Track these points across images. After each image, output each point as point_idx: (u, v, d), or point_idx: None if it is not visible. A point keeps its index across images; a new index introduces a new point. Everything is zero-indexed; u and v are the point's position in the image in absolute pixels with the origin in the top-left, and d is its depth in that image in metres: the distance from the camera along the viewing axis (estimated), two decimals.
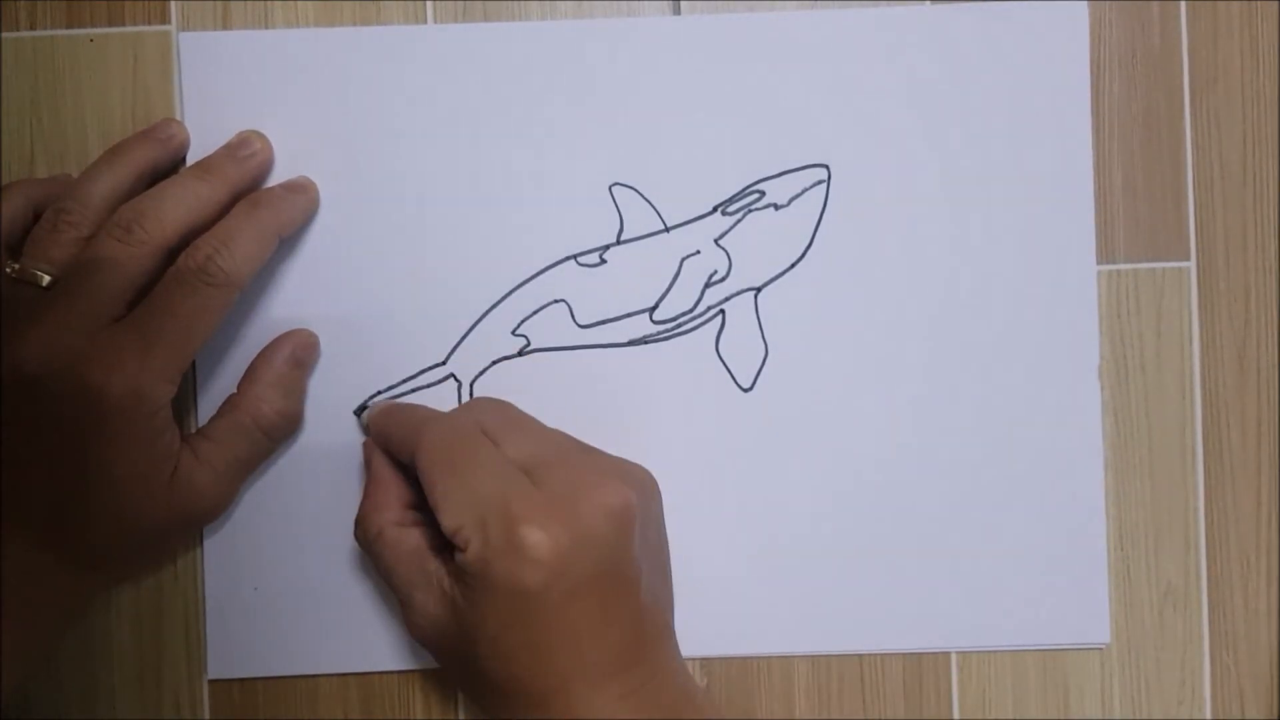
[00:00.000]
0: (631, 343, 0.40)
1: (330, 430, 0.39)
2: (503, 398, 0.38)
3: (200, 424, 0.39)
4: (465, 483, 0.33)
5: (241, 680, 0.39)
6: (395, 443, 0.36)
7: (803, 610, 0.39)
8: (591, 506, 0.33)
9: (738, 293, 0.40)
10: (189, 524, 0.38)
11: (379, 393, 0.39)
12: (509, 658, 0.33)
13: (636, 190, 0.40)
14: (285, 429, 0.38)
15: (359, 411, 0.39)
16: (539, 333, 0.40)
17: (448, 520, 0.33)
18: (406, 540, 0.35)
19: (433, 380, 0.39)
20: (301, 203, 0.39)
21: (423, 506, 0.35)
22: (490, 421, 0.35)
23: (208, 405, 0.39)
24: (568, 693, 0.33)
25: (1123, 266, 0.40)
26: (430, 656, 0.39)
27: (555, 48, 0.39)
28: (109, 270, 0.34)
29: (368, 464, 0.38)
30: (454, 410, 0.37)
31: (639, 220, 0.40)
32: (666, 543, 0.37)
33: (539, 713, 0.33)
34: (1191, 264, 0.40)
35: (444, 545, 0.34)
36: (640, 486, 0.35)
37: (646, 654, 0.34)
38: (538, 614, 0.32)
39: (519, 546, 0.32)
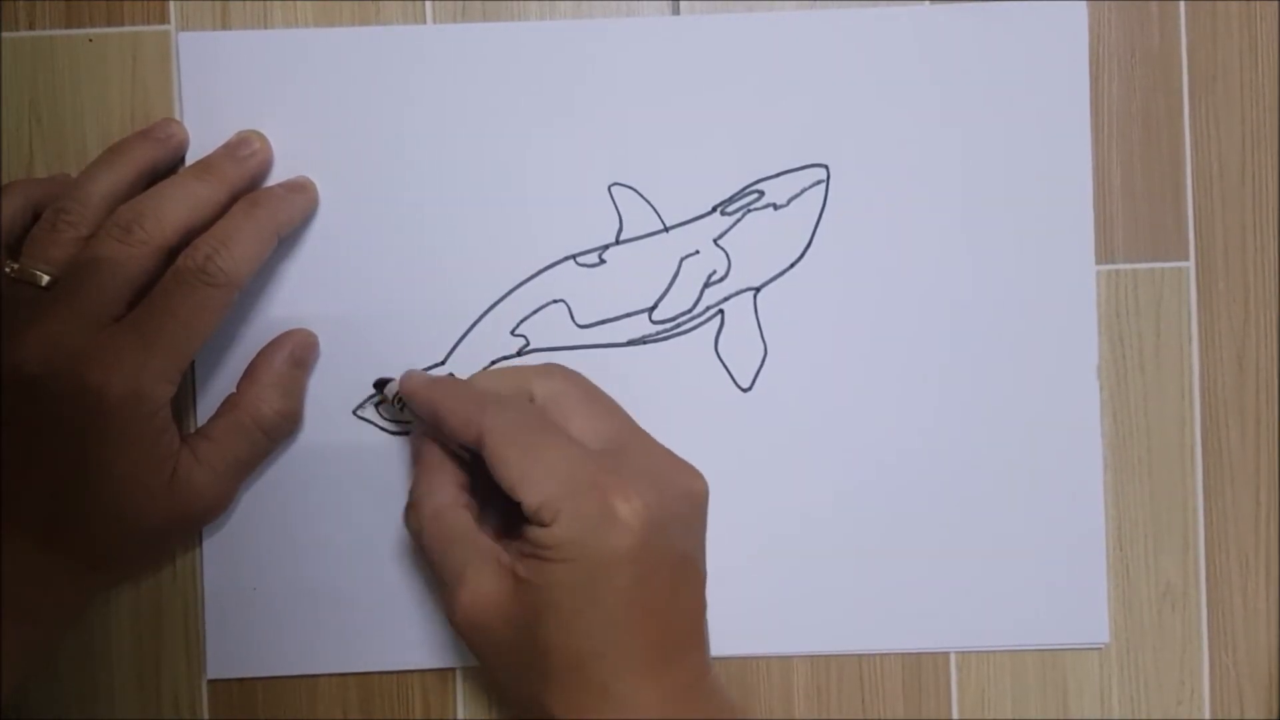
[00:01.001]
0: (631, 343, 0.40)
1: (330, 430, 0.39)
2: None
3: (199, 424, 0.39)
4: (545, 461, 0.33)
5: (241, 680, 0.39)
6: (453, 424, 0.35)
7: (803, 610, 0.39)
8: (674, 488, 0.34)
9: (737, 293, 0.40)
10: (189, 524, 0.38)
11: (373, 392, 0.39)
12: (581, 633, 0.32)
13: (636, 190, 0.40)
14: (285, 429, 0.38)
15: (378, 387, 0.39)
16: (538, 333, 0.40)
17: (531, 496, 0.33)
18: (460, 521, 0.35)
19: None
20: (301, 202, 0.39)
21: (473, 492, 0.36)
22: (551, 401, 0.35)
23: (207, 405, 0.39)
24: (625, 681, 0.33)
25: (1122, 266, 0.40)
26: (429, 657, 0.39)
27: (554, 48, 0.39)
28: (108, 270, 0.34)
29: (416, 449, 0.37)
30: (512, 382, 0.36)
31: (638, 220, 0.40)
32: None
33: (595, 699, 0.33)
34: (1190, 264, 0.40)
35: (497, 530, 0.35)
36: (705, 481, 0.36)
37: (699, 648, 0.35)
38: (618, 586, 0.32)
39: (614, 517, 0.32)
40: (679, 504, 0.34)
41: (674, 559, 0.33)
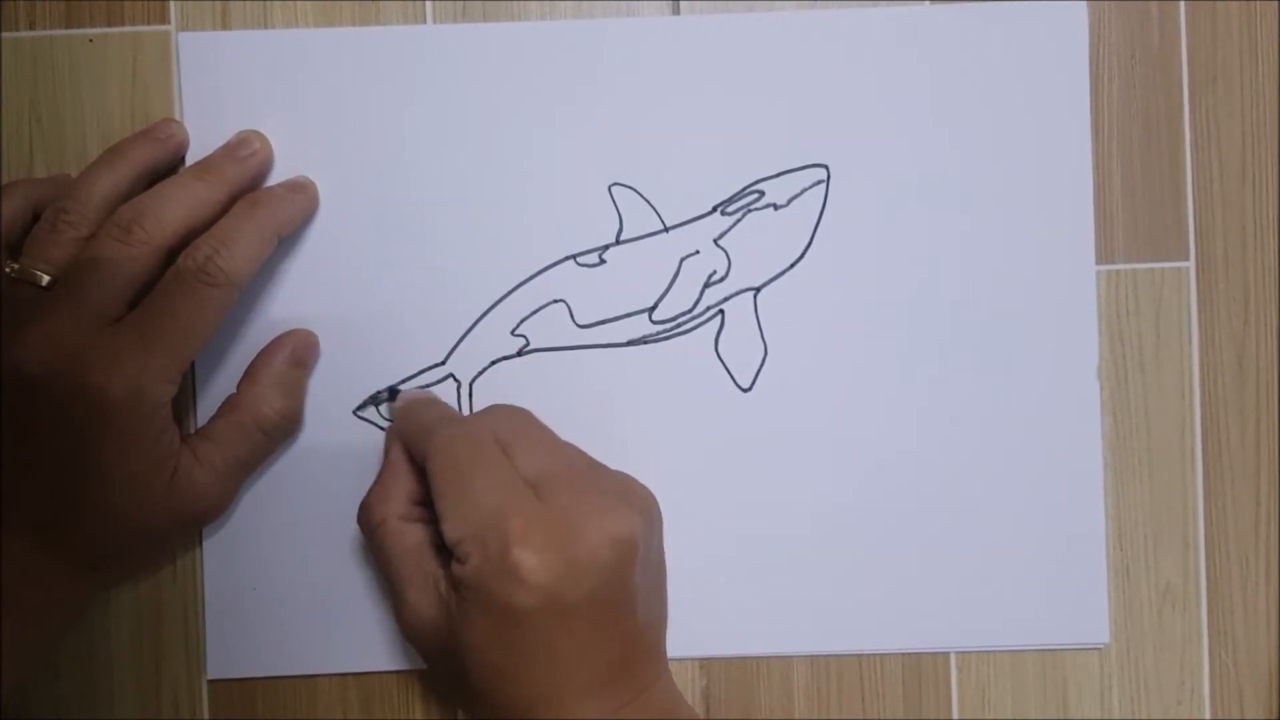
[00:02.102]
0: (631, 343, 0.40)
1: (330, 430, 0.39)
2: (502, 398, 0.38)
3: (200, 424, 0.39)
4: (471, 494, 0.33)
5: (241, 680, 0.39)
6: (410, 440, 0.36)
7: (802, 610, 0.39)
8: (597, 532, 0.33)
9: (737, 293, 0.40)
10: (189, 524, 0.38)
11: (379, 392, 0.39)
12: (494, 672, 0.33)
13: (636, 190, 0.40)
14: (285, 429, 0.38)
15: (377, 398, 0.39)
16: (538, 333, 0.40)
17: (451, 531, 0.33)
18: (409, 536, 0.35)
19: (432, 380, 0.39)
20: (301, 202, 0.39)
21: (429, 503, 0.35)
22: (505, 430, 0.35)
23: (207, 405, 0.39)
24: (549, 706, 0.33)
25: (1122, 266, 0.40)
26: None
27: (555, 48, 0.39)
28: (109, 270, 0.34)
29: (385, 452, 0.37)
30: (471, 415, 0.36)
31: (638, 220, 0.40)
32: (664, 564, 0.37)
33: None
34: (1191, 264, 0.40)
35: (446, 547, 0.34)
36: (645, 512, 0.35)
37: (635, 672, 0.34)
38: (526, 635, 0.32)
39: (514, 567, 0.32)
40: (601, 551, 0.32)
41: (590, 603, 0.32)
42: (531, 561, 0.32)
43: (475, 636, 0.33)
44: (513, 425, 0.35)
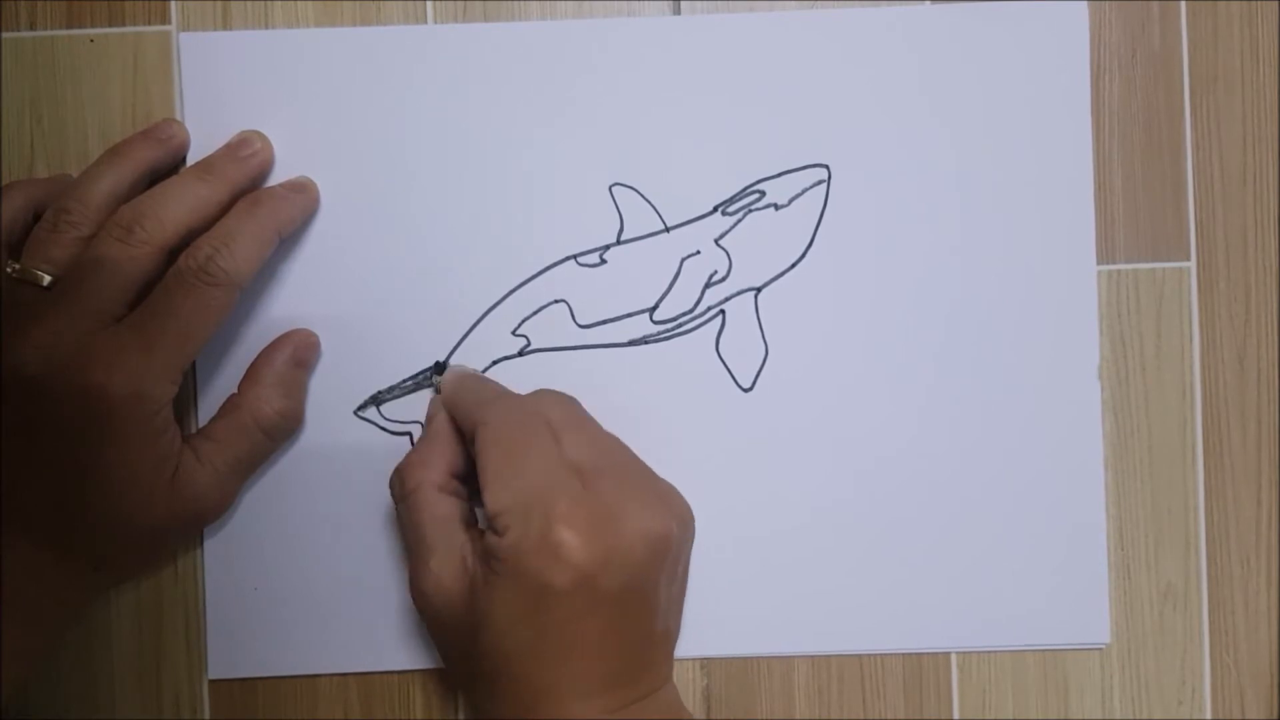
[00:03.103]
0: (632, 343, 0.40)
1: (331, 430, 0.39)
2: None
3: (201, 424, 0.39)
4: (518, 469, 0.33)
5: (242, 680, 0.39)
6: (461, 411, 0.36)
7: (803, 610, 0.39)
8: (634, 526, 0.33)
9: (738, 293, 0.40)
10: (190, 524, 0.38)
11: (379, 392, 0.39)
12: (511, 653, 0.33)
13: (636, 190, 0.40)
14: (286, 429, 0.38)
15: (437, 371, 0.39)
16: (539, 333, 0.40)
17: (493, 501, 0.33)
18: (442, 505, 0.35)
19: (433, 381, 0.39)
20: (301, 202, 0.39)
21: (466, 480, 0.35)
22: (556, 416, 0.35)
23: (208, 405, 0.39)
24: (556, 700, 0.32)
25: (1123, 266, 0.40)
26: (430, 658, 0.39)
27: (556, 48, 0.39)
28: (110, 270, 0.34)
29: (429, 420, 0.37)
30: (523, 396, 0.37)
31: (639, 220, 0.40)
32: (687, 580, 0.37)
33: (525, 710, 0.33)
34: (1191, 264, 0.40)
35: (476, 523, 0.35)
36: (681, 519, 0.35)
37: (644, 675, 0.34)
38: (553, 617, 0.32)
39: (555, 545, 0.32)
40: (634, 546, 0.33)
41: (619, 596, 0.33)
42: (574, 542, 0.32)
43: (500, 611, 0.32)
44: (564, 412, 0.36)
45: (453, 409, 0.37)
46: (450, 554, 0.34)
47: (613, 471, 0.34)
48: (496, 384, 0.38)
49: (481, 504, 0.34)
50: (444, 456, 0.36)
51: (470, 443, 0.35)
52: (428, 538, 0.35)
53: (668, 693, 0.36)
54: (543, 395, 0.37)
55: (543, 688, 0.33)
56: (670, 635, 0.36)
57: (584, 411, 0.37)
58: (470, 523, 0.35)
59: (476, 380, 0.38)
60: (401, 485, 0.36)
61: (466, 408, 0.36)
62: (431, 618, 0.35)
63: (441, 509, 0.35)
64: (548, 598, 0.32)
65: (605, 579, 0.32)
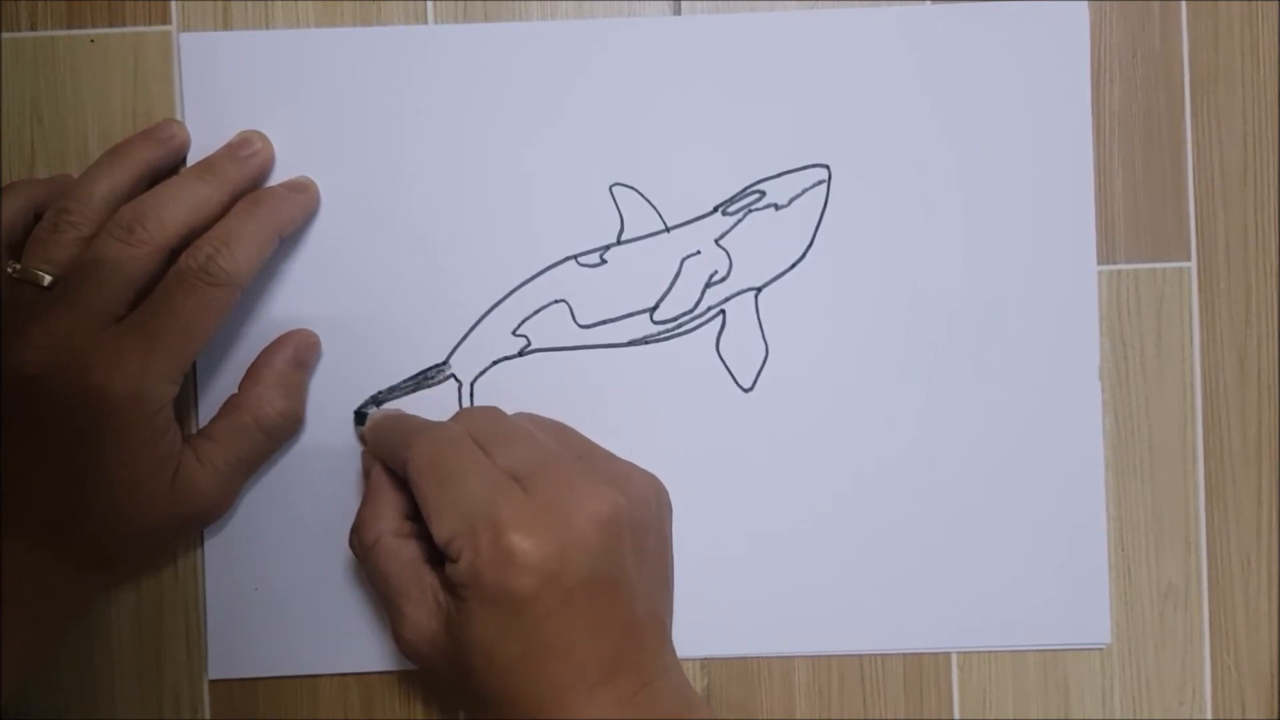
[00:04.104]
0: (632, 343, 0.40)
1: (331, 431, 0.39)
2: (503, 398, 0.38)
3: (201, 424, 0.39)
4: (455, 492, 0.33)
5: (242, 680, 0.39)
6: (388, 453, 0.36)
7: (803, 610, 0.39)
8: (581, 514, 0.33)
9: (738, 293, 0.40)
10: (190, 524, 0.38)
11: (379, 393, 0.39)
12: (503, 669, 0.33)
13: (637, 190, 0.40)
14: (287, 429, 0.38)
15: (358, 419, 0.39)
16: (539, 333, 0.40)
17: (440, 530, 0.33)
18: (403, 551, 0.35)
19: (433, 380, 0.39)
20: (302, 202, 0.39)
21: (418, 517, 0.35)
22: (480, 430, 0.35)
23: (209, 406, 0.39)
24: (562, 701, 0.32)
25: (1123, 267, 0.40)
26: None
27: (556, 48, 0.39)
28: (110, 270, 0.34)
29: (366, 473, 0.37)
30: (445, 420, 0.36)
31: (639, 220, 0.40)
32: (669, 550, 0.37)
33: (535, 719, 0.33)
34: (1192, 264, 0.40)
35: (438, 558, 0.34)
36: (637, 494, 0.35)
37: (642, 661, 0.34)
38: (529, 622, 0.32)
39: (509, 554, 0.32)
40: (587, 533, 0.33)
41: (586, 585, 0.32)
42: (526, 545, 0.32)
43: (480, 633, 0.32)
44: (488, 425, 0.35)
45: (380, 454, 0.37)
46: (422, 596, 0.34)
47: (548, 468, 0.34)
48: (416, 418, 0.38)
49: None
50: (391, 503, 0.36)
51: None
52: (398, 586, 0.35)
53: (673, 678, 0.35)
54: (463, 415, 0.36)
55: (544, 694, 0.33)
56: (657, 617, 0.35)
57: (507, 418, 0.36)
58: (434, 560, 0.35)
59: (396, 419, 0.38)
60: (361, 543, 0.36)
61: (391, 449, 0.36)
62: (422, 660, 0.35)
63: (405, 554, 0.35)
64: (518, 606, 0.32)
65: (568, 573, 0.32)
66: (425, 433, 0.35)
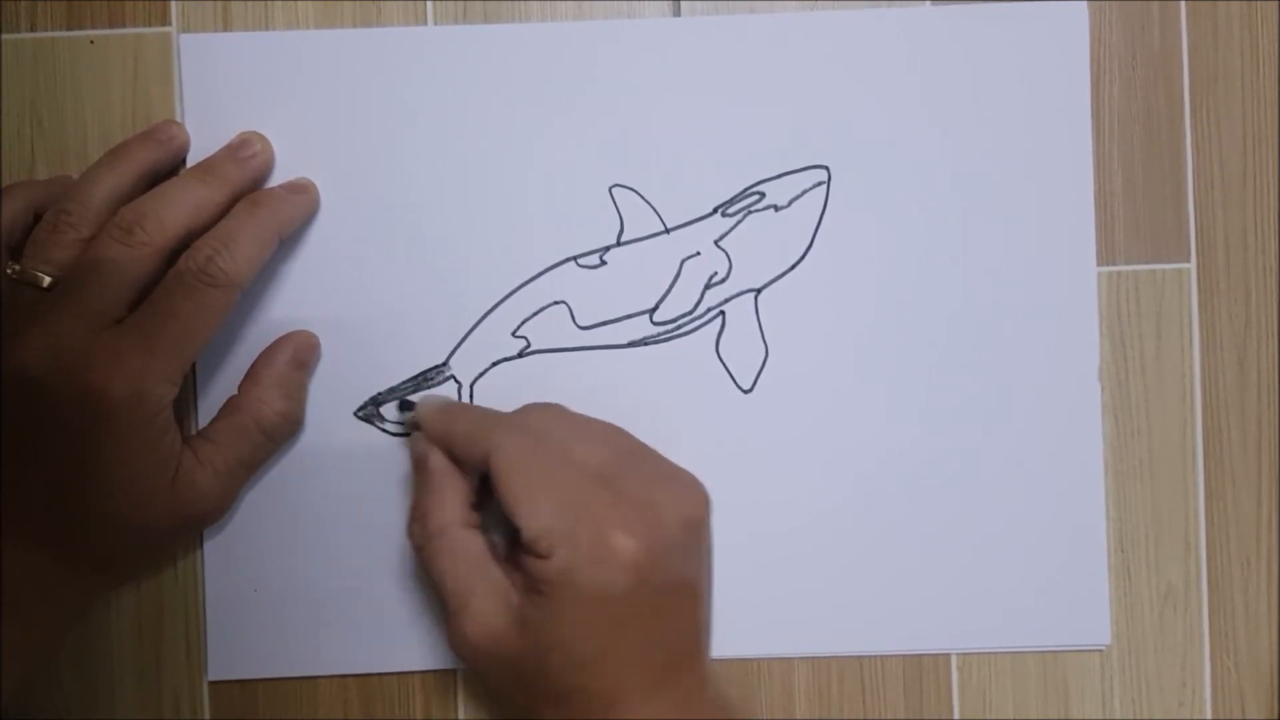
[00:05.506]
0: (631, 344, 0.40)
1: (331, 431, 0.39)
2: (503, 399, 0.38)
3: (201, 425, 0.39)
4: (546, 489, 0.33)
5: (242, 682, 0.39)
6: (460, 443, 0.35)
7: (802, 611, 0.39)
8: (672, 513, 0.33)
9: (738, 294, 0.40)
10: (190, 525, 0.38)
11: (380, 393, 0.39)
12: (578, 667, 0.33)
13: (636, 192, 0.40)
14: (286, 430, 0.38)
15: (403, 406, 0.39)
16: (539, 334, 0.40)
17: (531, 526, 0.33)
18: (471, 543, 0.35)
19: (433, 381, 0.39)
20: (301, 203, 0.39)
21: (481, 510, 0.35)
22: (557, 428, 0.35)
23: (208, 407, 0.39)
24: (630, 699, 0.33)
25: (1123, 268, 0.40)
26: (430, 659, 0.39)
27: (555, 49, 0.39)
28: (110, 271, 0.34)
29: (421, 459, 0.36)
30: (516, 415, 0.36)
31: (639, 222, 0.40)
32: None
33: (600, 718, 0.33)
34: (1192, 265, 0.40)
35: (503, 555, 0.34)
36: (707, 497, 0.36)
37: (699, 662, 0.35)
38: (615, 620, 0.32)
39: (610, 552, 0.32)
40: (677, 532, 0.33)
41: (671, 586, 0.33)
42: (627, 544, 0.32)
43: (565, 632, 0.32)
44: (563, 423, 0.36)
45: (448, 442, 0.36)
46: (490, 591, 0.34)
47: (631, 467, 0.35)
48: (489, 410, 0.37)
49: (498, 531, 0.35)
50: (458, 492, 0.35)
51: (477, 473, 0.35)
52: (464, 580, 0.34)
53: (715, 680, 0.36)
54: (533, 410, 0.36)
55: (616, 693, 0.33)
56: (709, 617, 0.36)
57: (577, 416, 0.37)
58: (498, 556, 0.35)
59: (465, 408, 0.38)
60: (424, 530, 0.35)
61: (469, 438, 0.35)
62: (481, 658, 0.34)
63: (473, 547, 0.35)
64: (609, 604, 0.32)
65: (659, 572, 0.33)
66: (508, 427, 0.35)
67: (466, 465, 0.35)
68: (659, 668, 0.33)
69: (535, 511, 0.33)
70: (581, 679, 0.33)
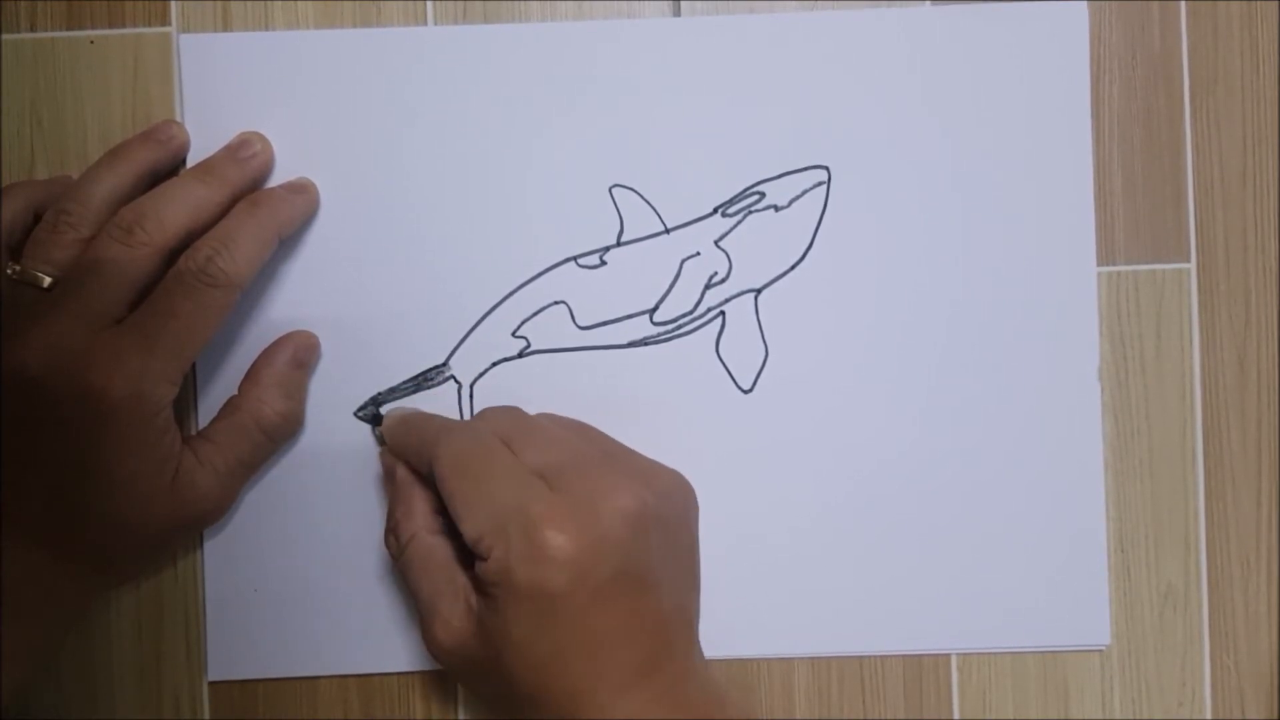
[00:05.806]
0: (631, 344, 0.40)
1: (331, 431, 0.39)
2: (503, 399, 0.38)
3: (201, 426, 0.39)
4: (484, 491, 0.33)
5: (242, 682, 0.39)
6: (412, 452, 0.36)
7: (803, 611, 0.39)
8: (609, 508, 0.33)
9: (738, 294, 0.40)
10: (190, 526, 0.38)
11: (379, 394, 0.39)
12: (536, 666, 0.33)
13: (636, 192, 0.40)
14: (286, 430, 0.38)
15: (366, 416, 0.39)
16: (539, 334, 0.40)
17: (469, 529, 0.33)
18: (438, 549, 0.35)
19: (433, 382, 0.39)
20: (301, 203, 0.39)
21: (446, 514, 0.35)
22: (505, 429, 0.35)
23: (208, 407, 0.39)
24: (594, 699, 0.33)
25: (1123, 268, 0.40)
26: (430, 660, 0.39)
27: (555, 49, 0.39)
28: (110, 272, 0.34)
29: (389, 473, 0.37)
30: (469, 420, 0.37)
31: (639, 222, 0.40)
32: (696, 548, 0.37)
33: (568, 718, 0.33)
34: (1192, 265, 0.40)
35: (467, 558, 0.34)
36: (663, 490, 0.35)
37: (673, 658, 0.34)
38: (562, 618, 0.32)
39: (541, 549, 0.32)
40: (615, 527, 0.33)
41: (616, 580, 0.33)
42: (558, 540, 0.32)
43: (513, 632, 0.32)
44: (512, 424, 0.36)
45: (403, 453, 0.37)
46: (455, 595, 0.34)
47: (574, 464, 0.34)
48: (438, 417, 0.38)
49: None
50: (422, 500, 0.36)
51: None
52: (434, 584, 0.35)
53: (705, 675, 0.35)
54: (486, 414, 0.37)
55: (576, 691, 0.33)
56: (684, 612, 0.35)
57: (533, 418, 0.37)
58: (465, 560, 0.35)
59: (418, 418, 0.38)
60: (397, 541, 0.36)
61: (416, 448, 0.36)
62: (453, 662, 0.35)
63: (439, 554, 0.35)
64: (550, 603, 0.32)
65: (598, 568, 0.32)
66: (451, 432, 0.35)
67: (423, 473, 0.35)
68: (627, 665, 0.33)
69: (472, 514, 0.33)
70: (543, 678, 0.33)
